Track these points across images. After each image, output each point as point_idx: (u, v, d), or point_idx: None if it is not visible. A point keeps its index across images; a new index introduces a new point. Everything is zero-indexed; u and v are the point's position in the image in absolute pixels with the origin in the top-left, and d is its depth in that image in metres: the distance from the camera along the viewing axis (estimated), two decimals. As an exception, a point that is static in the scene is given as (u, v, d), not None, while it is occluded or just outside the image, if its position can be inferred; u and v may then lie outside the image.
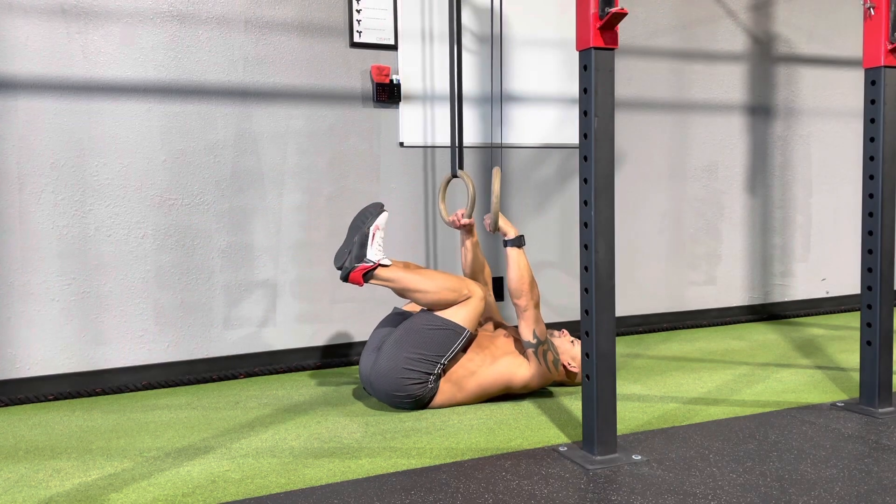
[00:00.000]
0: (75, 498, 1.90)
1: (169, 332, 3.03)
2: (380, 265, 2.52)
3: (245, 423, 2.49)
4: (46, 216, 2.83)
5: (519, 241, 2.61)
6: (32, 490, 1.96)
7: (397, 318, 2.71)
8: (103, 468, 2.10)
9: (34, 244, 2.82)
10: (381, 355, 2.55)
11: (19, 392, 2.83)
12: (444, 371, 2.57)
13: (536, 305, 2.60)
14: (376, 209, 2.58)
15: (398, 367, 2.50)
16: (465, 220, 2.82)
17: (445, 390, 2.57)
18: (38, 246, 2.82)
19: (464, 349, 2.59)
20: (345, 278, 2.52)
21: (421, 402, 2.55)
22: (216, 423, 2.49)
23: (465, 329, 2.55)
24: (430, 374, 2.52)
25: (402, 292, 2.58)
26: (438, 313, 2.56)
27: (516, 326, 2.69)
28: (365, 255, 2.52)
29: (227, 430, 2.42)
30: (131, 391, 2.92)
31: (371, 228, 2.54)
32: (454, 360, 2.57)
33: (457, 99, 2.62)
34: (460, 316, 2.55)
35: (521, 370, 2.62)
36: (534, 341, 2.60)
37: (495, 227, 2.62)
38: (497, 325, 2.91)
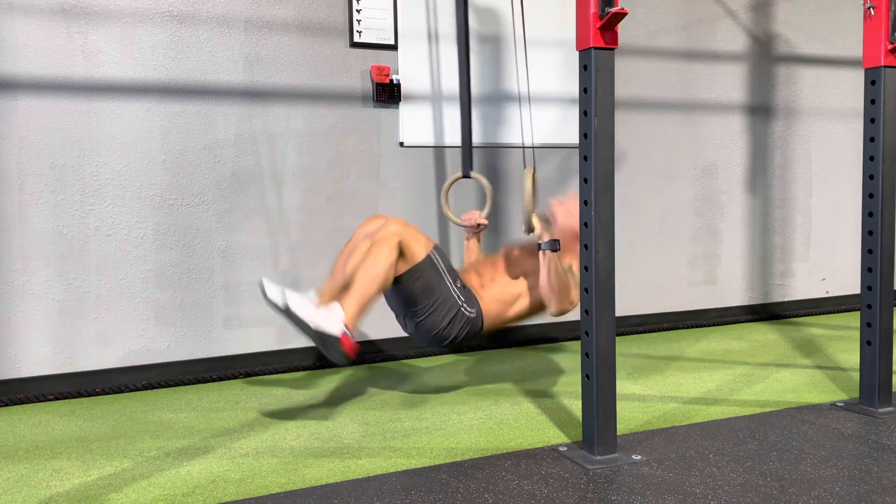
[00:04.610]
0: (75, 498, 1.90)
1: (169, 332, 3.03)
2: (345, 326, 2.32)
3: (245, 423, 2.49)
4: (46, 216, 2.83)
5: (553, 245, 2.56)
6: (32, 490, 1.96)
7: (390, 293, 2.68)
8: (103, 468, 2.10)
9: (34, 244, 2.82)
10: (414, 332, 2.62)
11: (19, 392, 2.83)
12: (466, 288, 2.59)
13: (571, 309, 2.62)
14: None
15: (436, 328, 2.54)
16: (482, 221, 2.88)
17: (492, 309, 2.62)
18: (38, 246, 2.82)
19: (449, 269, 2.59)
20: (345, 358, 2.35)
21: (474, 329, 2.60)
22: (216, 423, 2.49)
23: (427, 252, 2.51)
24: (458, 300, 2.55)
25: (375, 298, 2.45)
26: (404, 270, 2.49)
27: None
28: (330, 334, 2.31)
29: (227, 430, 2.42)
30: (131, 391, 2.92)
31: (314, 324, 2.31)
32: (460, 274, 2.64)
33: (466, 99, 2.52)
34: (415, 255, 2.48)
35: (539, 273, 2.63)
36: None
37: (530, 229, 2.61)
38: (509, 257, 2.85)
